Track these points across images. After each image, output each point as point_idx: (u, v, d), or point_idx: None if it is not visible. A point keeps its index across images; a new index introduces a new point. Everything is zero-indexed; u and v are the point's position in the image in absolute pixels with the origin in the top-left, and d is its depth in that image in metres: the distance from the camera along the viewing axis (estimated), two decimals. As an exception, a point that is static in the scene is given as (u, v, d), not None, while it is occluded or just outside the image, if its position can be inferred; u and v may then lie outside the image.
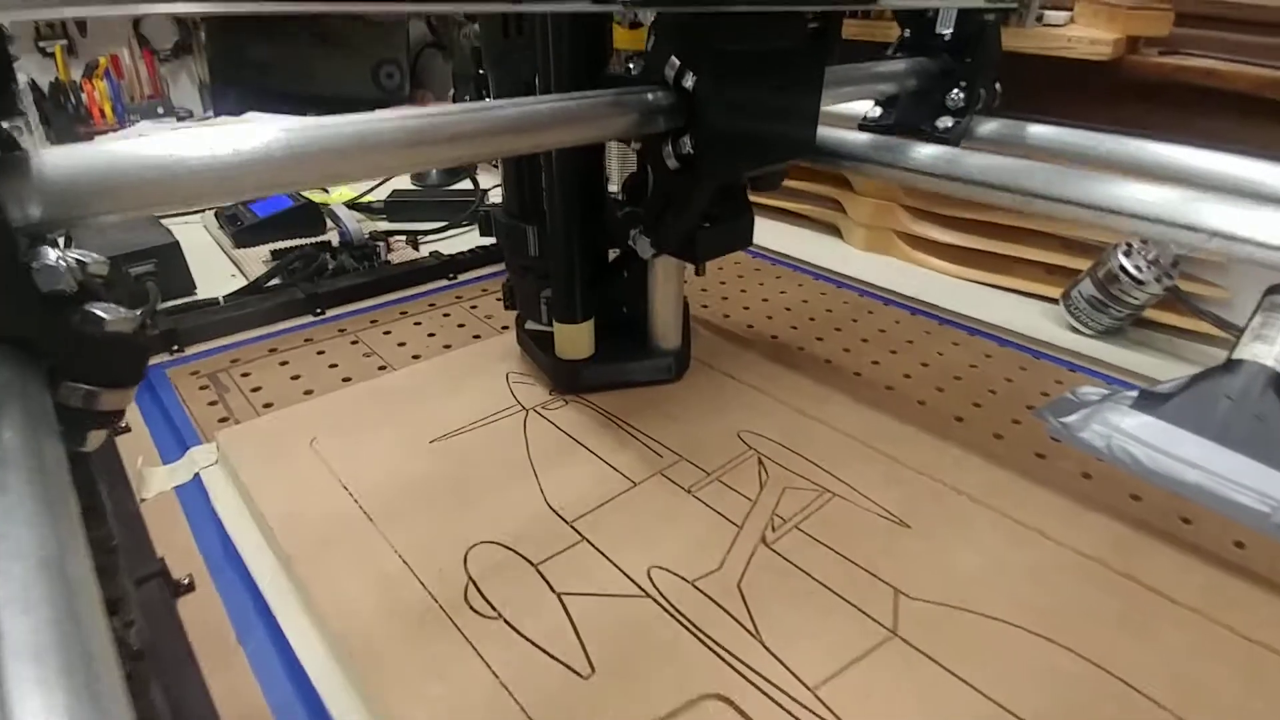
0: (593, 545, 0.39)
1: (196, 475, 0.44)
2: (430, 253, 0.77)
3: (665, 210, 0.43)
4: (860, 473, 0.44)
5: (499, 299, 0.56)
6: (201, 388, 0.53)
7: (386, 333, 0.62)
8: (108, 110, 1.20)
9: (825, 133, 0.47)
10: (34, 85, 1.11)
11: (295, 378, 0.55)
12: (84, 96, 1.19)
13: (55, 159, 0.22)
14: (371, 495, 0.42)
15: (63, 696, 0.11)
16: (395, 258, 0.76)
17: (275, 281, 0.69)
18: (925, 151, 0.44)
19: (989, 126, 0.54)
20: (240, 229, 0.79)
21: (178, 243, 0.68)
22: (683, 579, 0.37)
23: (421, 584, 0.36)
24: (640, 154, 0.42)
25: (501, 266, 0.58)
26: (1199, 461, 0.47)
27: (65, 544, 0.14)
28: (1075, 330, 0.66)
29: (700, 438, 0.48)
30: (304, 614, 0.36)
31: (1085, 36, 0.63)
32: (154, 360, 0.57)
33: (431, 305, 0.68)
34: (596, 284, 0.50)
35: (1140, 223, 0.35)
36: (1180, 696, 0.31)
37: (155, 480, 0.44)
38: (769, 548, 0.39)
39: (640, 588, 0.36)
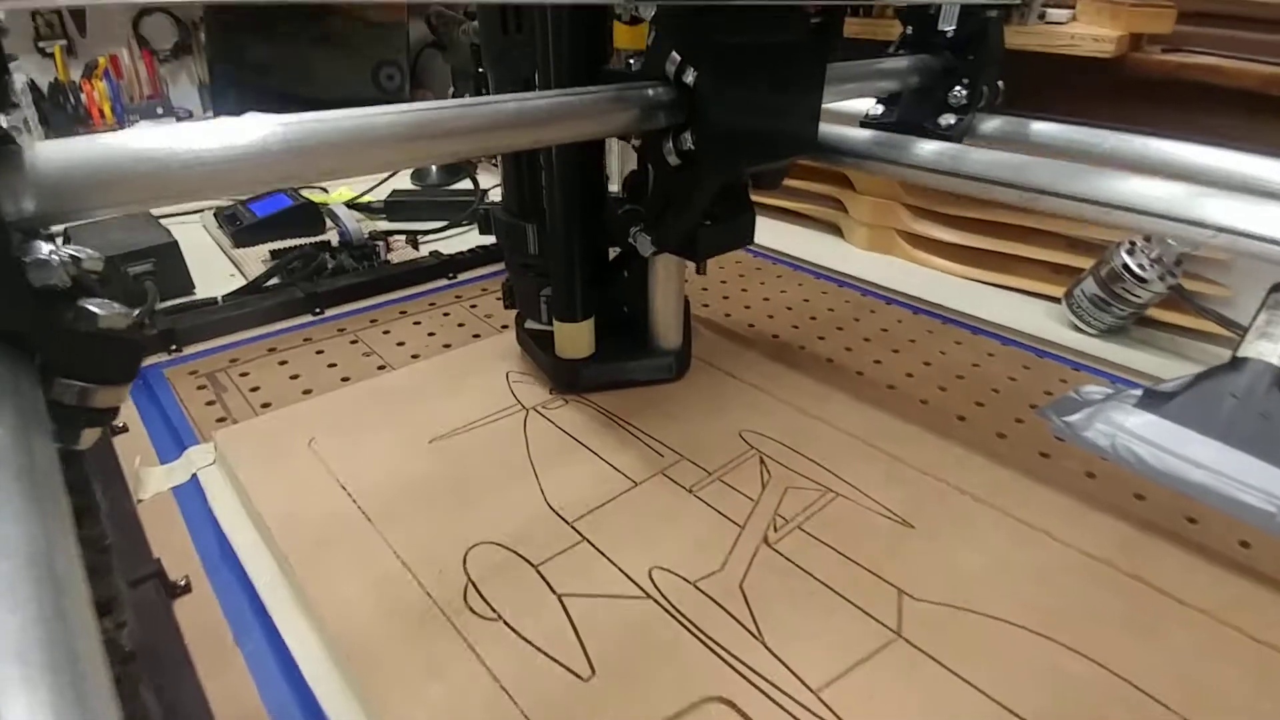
0: (593, 546, 0.38)
1: (194, 475, 0.44)
2: (430, 252, 0.77)
3: (666, 208, 0.42)
4: (863, 472, 0.44)
5: (499, 298, 0.56)
6: (199, 387, 0.53)
7: (386, 332, 0.62)
8: (107, 111, 1.20)
9: (827, 129, 0.47)
10: (33, 85, 1.11)
11: (294, 377, 0.55)
12: (83, 97, 1.19)
13: (49, 152, 0.22)
14: (370, 495, 0.41)
15: (47, 695, 0.11)
16: (395, 257, 0.76)
17: (274, 281, 0.69)
18: (928, 148, 0.43)
19: (992, 124, 0.53)
20: (239, 229, 0.79)
21: (176, 242, 0.67)
22: (684, 580, 0.36)
23: (420, 585, 0.36)
24: (640, 151, 0.42)
25: (501, 266, 0.58)
26: (1204, 461, 0.46)
27: (54, 542, 0.14)
28: (1078, 329, 0.65)
29: (701, 437, 0.47)
30: (302, 615, 0.35)
31: (1088, 34, 0.63)
32: (152, 360, 0.57)
33: (431, 304, 0.67)
34: (596, 282, 0.49)
35: (1147, 219, 0.35)
36: (1188, 698, 0.31)
37: (152, 480, 0.43)
38: (771, 548, 0.38)
39: (641, 589, 0.36)
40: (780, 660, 0.32)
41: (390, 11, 1.20)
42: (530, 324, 0.54)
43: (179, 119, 1.27)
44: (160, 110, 1.28)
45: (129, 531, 0.38)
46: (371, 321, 0.64)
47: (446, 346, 0.59)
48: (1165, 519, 0.42)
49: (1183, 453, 0.47)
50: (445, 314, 0.65)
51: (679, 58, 0.36)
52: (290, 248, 0.75)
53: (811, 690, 0.31)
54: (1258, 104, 0.64)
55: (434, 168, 1.04)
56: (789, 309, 0.68)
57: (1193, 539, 0.40)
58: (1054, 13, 0.66)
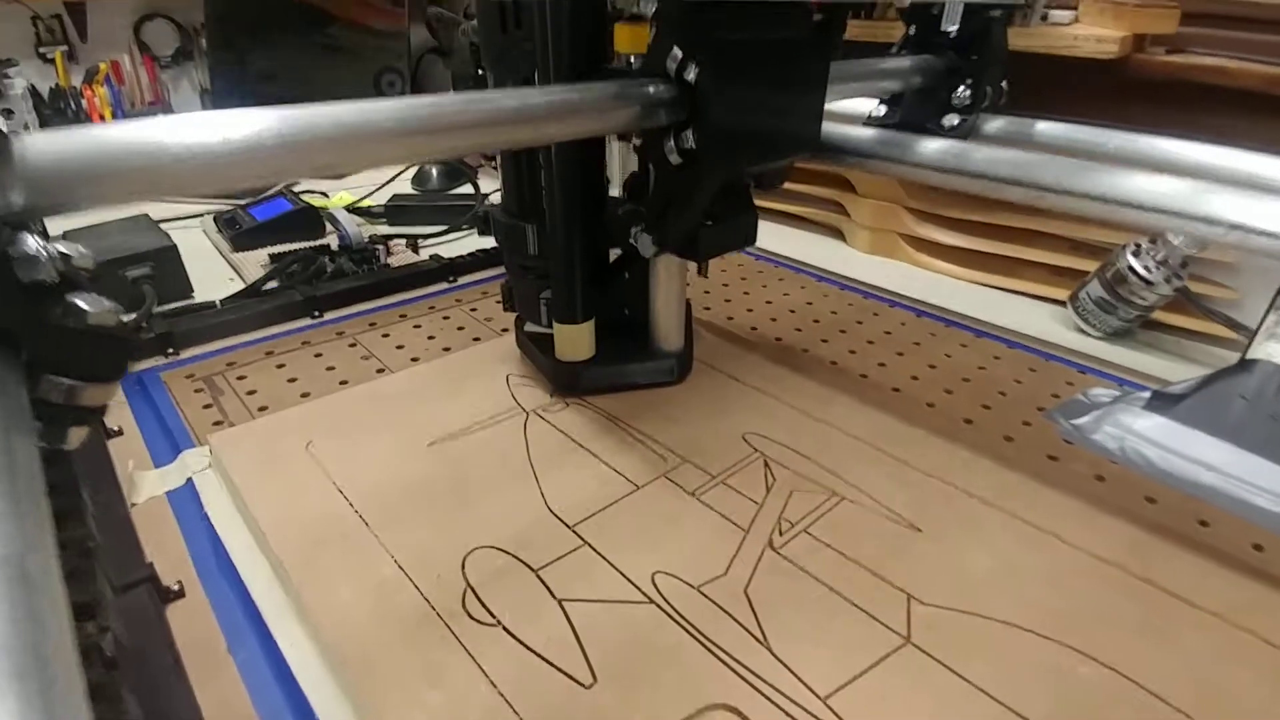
0: (595, 550, 0.38)
1: (189, 479, 0.43)
2: (430, 256, 0.76)
3: (667, 207, 0.42)
4: (869, 475, 0.43)
5: (499, 301, 0.55)
6: (196, 391, 0.53)
7: (385, 335, 0.61)
8: (108, 116, 1.20)
9: (830, 128, 0.46)
10: (34, 91, 1.11)
11: (292, 380, 0.54)
12: (84, 102, 1.19)
13: (39, 144, 0.21)
14: (368, 499, 0.41)
15: (13, 702, 0.10)
16: (395, 261, 0.76)
17: (273, 284, 0.68)
18: (933, 146, 0.43)
19: (995, 124, 0.53)
20: (238, 233, 0.79)
21: (175, 246, 0.67)
22: (688, 584, 0.36)
23: (418, 590, 0.35)
24: (641, 150, 0.42)
25: (502, 269, 0.57)
26: (1214, 463, 0.46)
27: (30, 542, 0.13)
28: (1083, 332, 0.65)
29: (704, 440, 0.47)
30: (297, 621, 0.35)
31: (1092, 35, 0.63)
32: (148, 363, 0.56)
33: (431, 308, 0.67)
34: (597, 284, 0.49)
35: (1156, 216, 0.34)
36: (1202, 702, 0.31)
37: (146, 484, 0.43)
38: (776, 552, 0.38)
39: (644, 593, 0.35)
40: (786, 666, 0.31)
41: (392, 18, 1.21)
42: (530, 327, 0.54)
43: (180, 125, 1.27)
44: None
45: (121, 535, 0.37)
46: (370, 325, 0.63)
47: (446, 350, 0.59)
48: (1176, 522, 0.41)
49: (1192, 455, 0.46)
50: (445, 317, 0.65)
51: (680, 54, 0.36)
52: (289, 252, 0.75)
53: (819, 697, 0.30)
54: (1261, 104, 0.64)
55: (434, 172, 1.04)
56: (791, 312, 0.67)
57: (1205, 542, 0.40)
58: (1057, 14, 0.66)
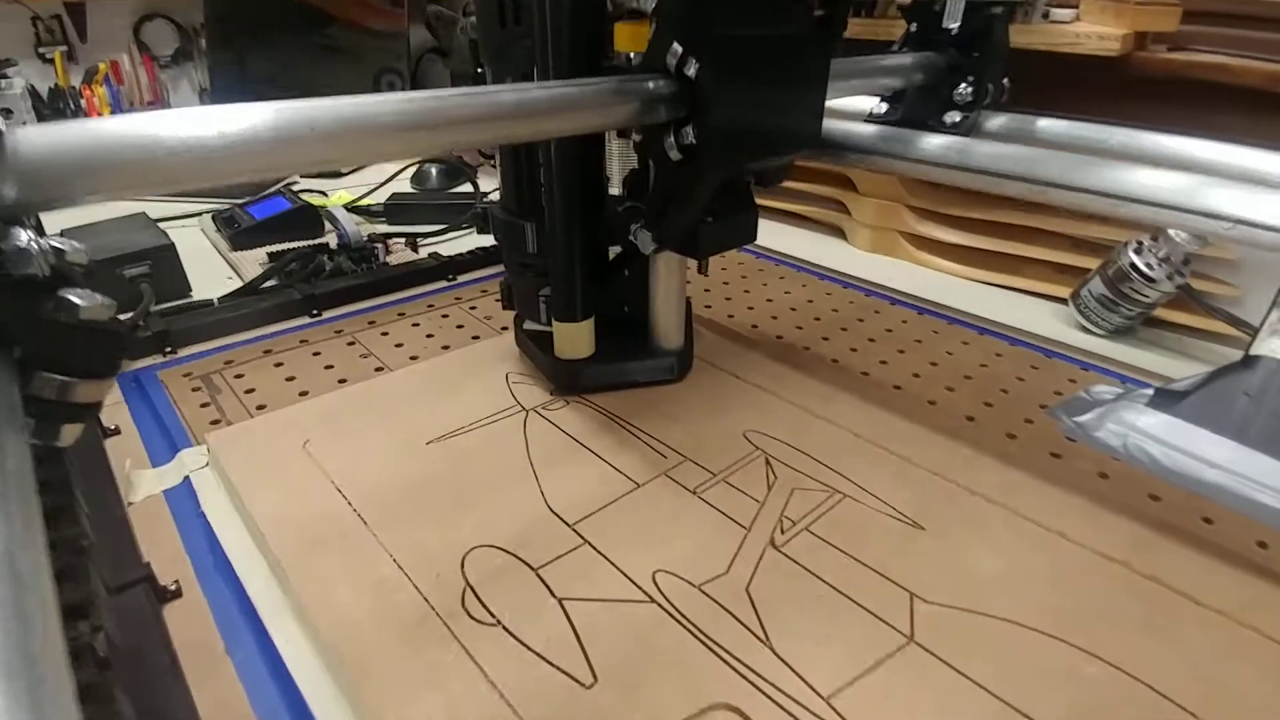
0: (595, 549, 0.37)
1: (186, 478, 0.43)
2: (429, 254, 0.76)
3: (667, 204, 0.41)
4: (871, 473, 0.43)
5: (498, 300, 0.55)
6: (194, 389, 0.52)
7: (384, 334, 0.61)
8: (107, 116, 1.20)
9: (831, 125, 0.46)
10: (33, 91, 1.10)
11: (290, 379, 0.54)
12: (83, 102, 1.19)
13: (32, 137, 0.21)
14: (366, 498, 0.40)
15: (0, 701, 0.10)
16: (394, 259, 0.75)
17: (271, 283, 0.68)
18: (935, 142, 0.42)
19: (997, 121, 0.53)
20: (237, 231, 0.79)
21: (172, 245, 0.67)
22: (689, 583, 0.35)
23: (417, 589, 0.35)
24: (641, 147, 0.41)
25: (501, 267, 0.57)
26: (1218, 460, 0.45)
27: (18, 539, 0.13)
28: (1085, 330, 0.65)
29: (705, 438, 0.46)
30: (294, 621, 0.34)
31: (1093, 32, 0.62)
32: (146, 362, 0.56)
33: (430, 306, 0.66)
34: (596, 282, 0.49)
35: (1161, 211, 0.34)
36: (1207, 700, 0.30)
37: (144, 483, 0.43)
38: (778, 550, 0.37)
39: (645, 592, 0.35)
40: (789, 666, 0.31)
41: (392, 19, 1.20)
42: (529, 325, 0.53)
43: (178, 124, 1.27)
44: (160, 116, 1.28)
45: (118, 535, 0.37)
46: (369, 323, 0.63)
47: (445, 348, 0.59)
48: (1181, 519, 0.41)
49: (1196, 452, 0.46)
50: (444, 315, 0.65)
51: (680, 49, 0.35)
52: (288, 250, 0.74)
53: (822, 697, 0.30)
54: (1263, 102, 0.64)
55: (434, 171, 1.04)
56: (792, 310, 0.67)
57: (1209, 539, 0.39)
58: (1058, 12, 0.66)
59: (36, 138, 0.21)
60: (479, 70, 0.46)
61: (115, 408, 0.50)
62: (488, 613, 0.34)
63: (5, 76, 1.01)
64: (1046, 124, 0.51)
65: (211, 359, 0.56)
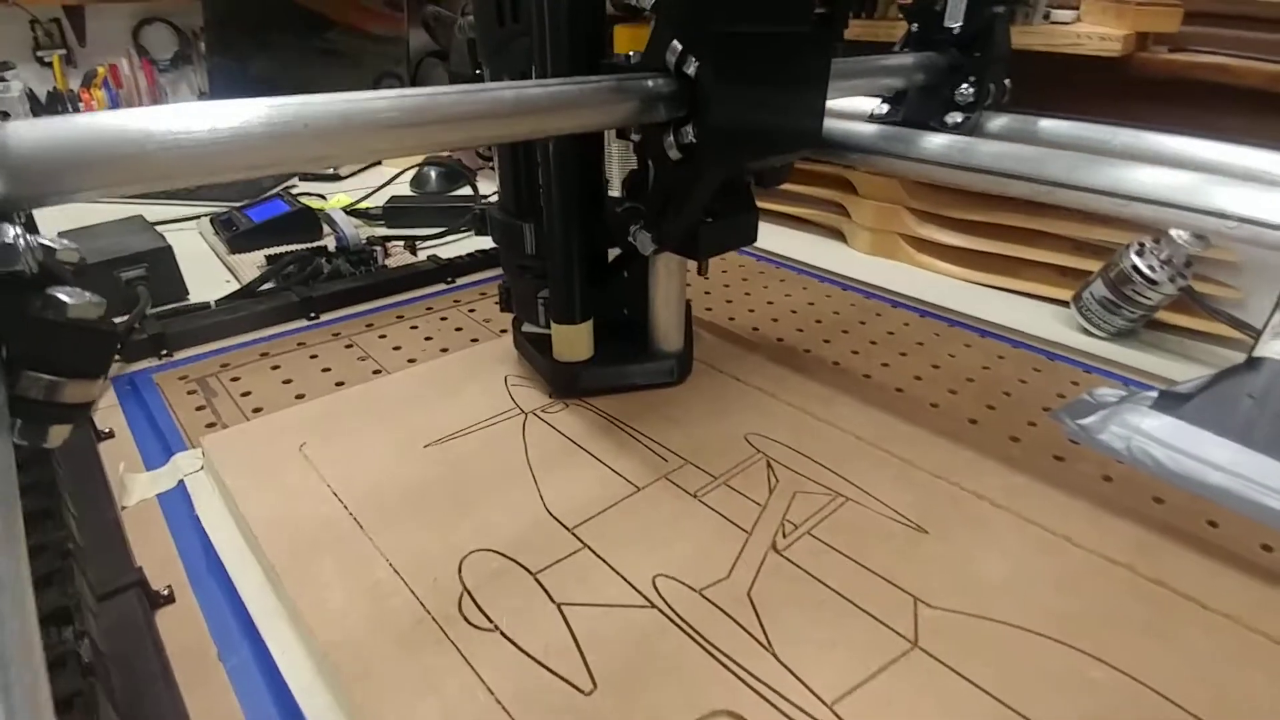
0: (594, 553, 0.37)
1: (180, 482, 0.43)
2: (428, 257, 0.76)
3: (666, 204, 0.41)
4: (873, 476, 0.43)
5: (497, 302, 0.55)
6: (189, 392, 0.52)
7: (382, 336, 0.61)
8: (105, 120, 1.20)
9: (832, 124, 0.46)
10: (31, 94, 1.10)
11: (286, 382, 0.53)
12: (81, 106, 1.19)
13: (22, 132, 0.21)
14: (362, 501, 0.40)
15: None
16: (392, 262, 0.75)
17: (269, 285, 0.68)
18: (937, 141, 0.42)
19: (999, 122, 0.52)
20: (235, 234, 0.78)
21: (169, 247, 0.66)
22: (689, 588, 0.35)
23: (414, 594, 0.34)
24: (640, 146, 0.41)
25: (500, 270, 0.57)
26: (1222, 463, 0.45)
27: (-5, 541, 0.13)
28: (1087, 332, 0.64)
29: (705, 441, 0.46)
30: (289, 627, 0.34)
31: (1094, 33, 0.62)
32: (141, 365, 0.56)
33: (429, 309, 0.66)
34: (595, 283, 0.48)
35: (1166, 210, 0.34)
36: (1214, 704, 0.30)
37: (137, 487, 0.42)
38: (780, 554, 0.37)
39: (645, 597, 0.34)
40: (791, 672, 0.31)
41: (391, 23, 1.20)
42: (528, 327, 0.53)
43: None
44: (158, 119, 1.28)
45: (110, 539, 0.36)
46: (367, 326, 0.63)
47: (443, 351, 0.58)
48: (1185, 522, 0.41)
49: (1200, 455, 0.46)
50: (443, 318, 0.64)
51: (679, 47, 0.35)
52: (286, 253, 0.74)
53: (824, 703, 0.29)
54: (1264, 103, 0.64)
55: (433, 174, 1.03)
56: (793, 312, 0.67)
57: (1214, 543, 0.39)
58: (1059, 12, 0.66)
59: (25, 133, 0.21)
60: (477, 71, 0.46)
61: (109, 411, 0.50)
62: (485, 618, 0.33)
63: (3, 79, 1.01)
64: (1049, 124, 0.51)
65: (207, 362, 0.56)
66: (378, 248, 0.75)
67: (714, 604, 0.34)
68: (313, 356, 0.57)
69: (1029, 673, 0.31)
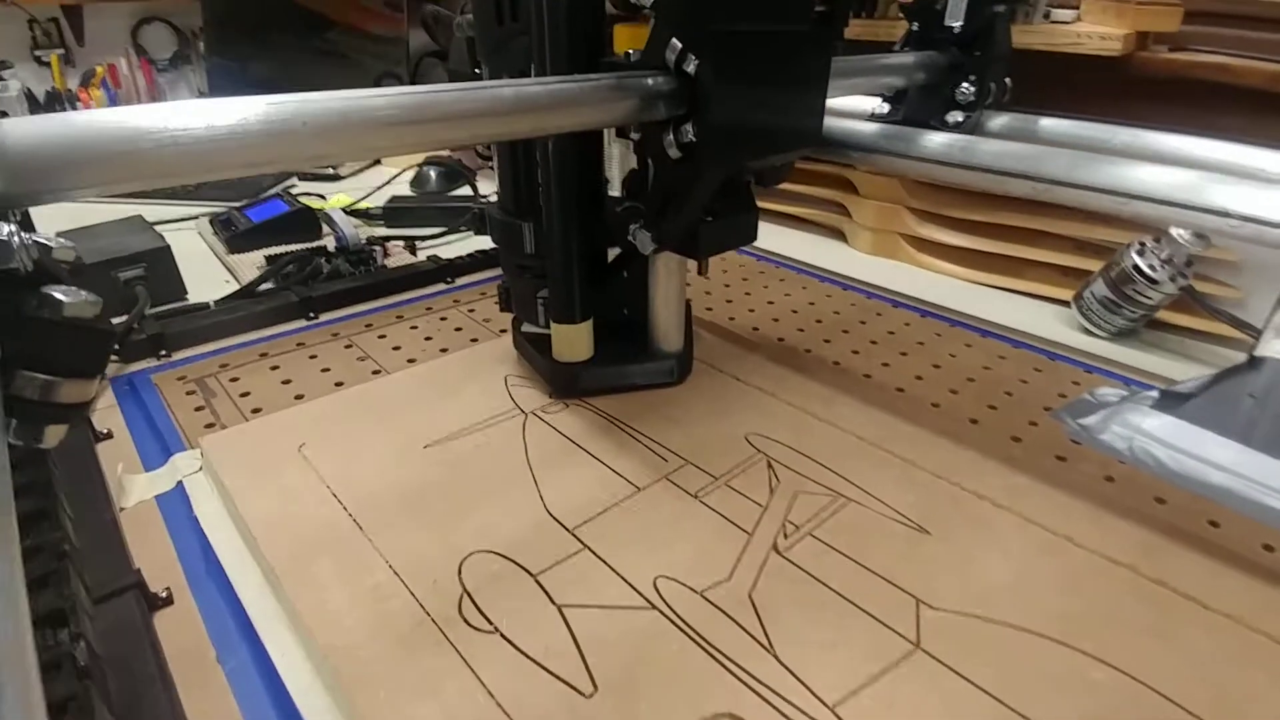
0: (595, 554, 0.37)
1: (179, 483, 0.42)
2: (428, 257, 0.75)
3: (666, 203, 0.41)
4: (875, 476, 0.43)
5: (497, 302, 0.54)
6: (188, 393, 0.52)
7: (381, 336, 0.60)
8: (103, 120, 1.20)
9: (833, 123, 0.46)
10: (29, 94, 1.10)
11: (286, 382, 0.53)
12: (80, 106, 1.18)
13: (16, 129, 0.21)
14: (362, 503, 0.40)
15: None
16: (392, 262, 0.75)
17: (268, 285, 0.67)
18: (938, 139, 0.42)
19: (1000, 121, 0.52)
20: (234, 234, 0.78)
21: (168, 247, 0.66)
22: (691, 589, 0.35)
23: (413, 596, 0.34)
24: (640, 145, 0.41)
25: (500, 270, 0.56)
26: (1224, 463, 0.45)
27: (-12, 542, 0.12)
28: (1088, 332, 0.64)
29: (706, 441, 0.46)
30: (288, 629, 0.33)
31: (1095, 32, 0.62)
32: (140, 365, 0.55)
33: (428, 309, 0.66)
34: (595, 283, 0.48)
35: (1169, 208, 0.33)
36: (1216, 706, 0.30)
37: (136, 488, 0.42)
38: (781, 555, 0.37)
39: (646, 599, 0.34)
40: (793, 673, 0.30)
41: (391, 23, 1.20)
42: (527, 327, 0.53)
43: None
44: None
45: (108, 541, 0.36)
46: (367, 326, 0.62)
47: (443, 351, 0.58)
48: (1187, 522, 0.40)
49: (1202, 455, 0.46)
50: (442, 318, 0.64)
51: (679, 45, 0.35)
52: (285, 253, 0.74)
53: (827, 705, 0.29)
54: (1264, 102, 0.63)
55: (433, 174, 1.03)
56: (793, 312, 0.66)
57: (1216, 543, 0.39)
58: (1059, 12, 0.66)
59: (20, 130, 0.20)
60: (476, 70, 0.46)
61: (108, 411, 0.49)
62: (485, 620, 0.33)
63: (1, 79, 1.00)
64: (1049, 123, 0.51)
65: (206, 362, 0.56)
66: (377, 248, 0.75)
67: (715, 605, 0.34)
68: (312, 357, 0.57)
69: (1031, 674, 0.31)
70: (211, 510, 0.40)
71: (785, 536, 0.38)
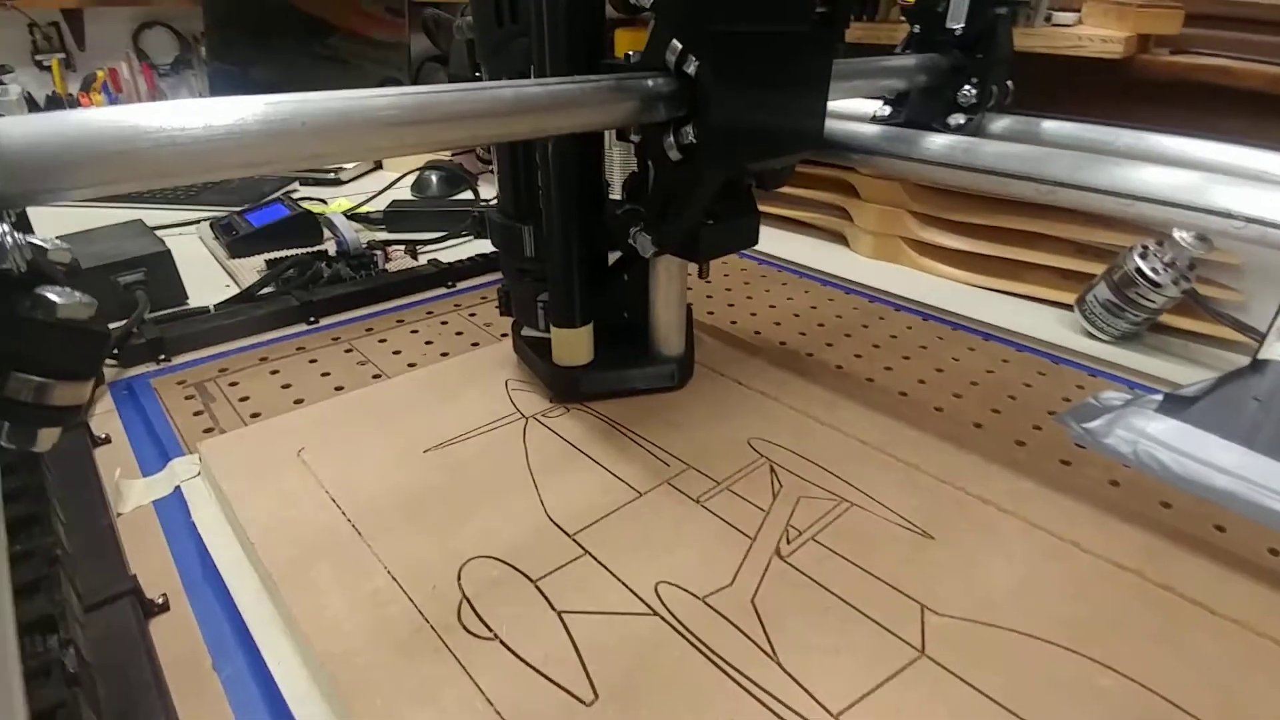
0: (596, 560, 0.36)
1: (177, 488, 0.42)
2: (429, 261, 0.75)
3: (667, 206, 0.41)
4: (878, 481, 0.42)
5: (497, 306, 0.54)
6: (187, 397, 0.51)
7: (382, 341, 0.60)
8: (104, 125, 1.20)
9: (834, 125, 0.46)
10: (29, 98, 1.10)
11: (285, 387, 0.53)
12: (81, 111, 1.19)
13: (11, 129, 0.20)
14: (361, 508, 0.39)
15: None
16: (393, 266, 0.75)
17: (269, 290, 0.67)
18: (940, 141, 0.42)
19: (1002, 123, 0.52)
20: (235, 239, 0.78)
21: (168, 251, 0.66)
22: (692, 595, 0.34)
23: (412, 602, 0.34)
24: (640, 147, 0.41)
25: (501, 274, 0.56)
26: (1229, 466, 0.45)
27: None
28: (1091, 335, 0.64)
29: (708, 445, 0.45)
30: (285, 636, 0.33)
31: (1096, 35, 0.62)
32: (139, 370, 0.55)
33: (429, 313, 0.66)
34: (595, 287, 0.48)
35: (1172, 210, 0.33)
36: (1223, 711, 0.29)
37: (133, 493, 0.41)
38: (784, 561, 0.36)
39: (647, 605, 0.34)
40: (796, 681, 0.30)
41: (392, 29, 1.21)
42: (527, 331, 0.53)
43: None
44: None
45: (105, 546, 0.36)
46: (367, 330, 0.62)
47: (444, 355, 0.58)
48: (1192, 527, 0.40)
49: (1206, 458, 0.45)
50: (443, 322, 0.64)
51: (679, 46, 0.35)
52: (286, 257, 0.74)
53: (830, 713, 0.29)
54: (1265, 105, 0.63)
55: (434, 179, 1.03)
56: (795, 316, 0.66)
57: (1221, 547, 0.38)
58: (1060, 14, 0.66)
59: (16, 129, 0.20)
60: (476, 73, 0.45)
61: (106, 416, 0.49)
62: (485, 626, 0.32)
63: (1, 83, 1.01)
64: (1051, 126, 0.51)
65: (206, 366, 0.56)
66: (378, 252, 0.75)
67: (717, 611, 0.33)
68: (312, 361, 0.57)
69: (1038, 681, 0.30)
70: (209, 515, 0.40)
71: (788, 541, 0.38)
